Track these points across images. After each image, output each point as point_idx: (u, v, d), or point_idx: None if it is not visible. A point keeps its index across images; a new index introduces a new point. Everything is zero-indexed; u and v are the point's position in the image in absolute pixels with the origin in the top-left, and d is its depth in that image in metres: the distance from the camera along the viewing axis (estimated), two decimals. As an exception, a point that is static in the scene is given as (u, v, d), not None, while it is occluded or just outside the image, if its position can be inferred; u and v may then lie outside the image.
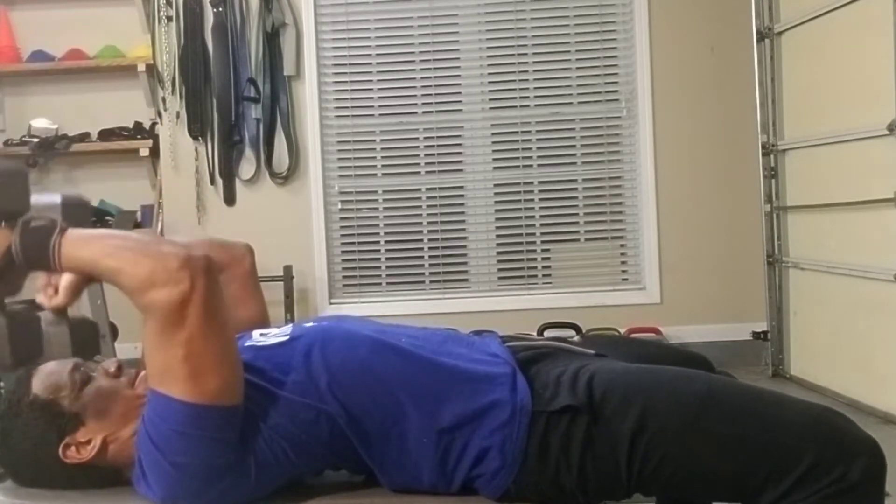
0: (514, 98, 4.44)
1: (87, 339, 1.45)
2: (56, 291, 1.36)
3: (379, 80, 4.45)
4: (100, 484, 1.38)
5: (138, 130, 4.63)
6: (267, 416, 1.31)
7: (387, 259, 4.51)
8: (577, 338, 1.63)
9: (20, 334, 1.30)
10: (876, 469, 1.23)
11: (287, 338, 1.41)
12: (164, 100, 4.38)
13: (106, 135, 4.62)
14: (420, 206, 4.48)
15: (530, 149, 4.46)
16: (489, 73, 4.45)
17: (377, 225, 4.50)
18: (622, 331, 4.19)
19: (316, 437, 1.32)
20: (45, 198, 1.34)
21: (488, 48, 4.45)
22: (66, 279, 1.34)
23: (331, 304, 4.43)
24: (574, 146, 4.47)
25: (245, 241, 1.69)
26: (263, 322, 1.62)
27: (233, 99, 4.34)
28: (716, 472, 1.27)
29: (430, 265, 4.50)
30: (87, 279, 1.35)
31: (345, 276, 4.50)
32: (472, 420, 1.31)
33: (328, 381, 1.32)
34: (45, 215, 1.30)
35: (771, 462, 1.23)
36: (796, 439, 1.24)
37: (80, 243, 1.27)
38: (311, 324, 1.47)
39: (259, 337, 1.45)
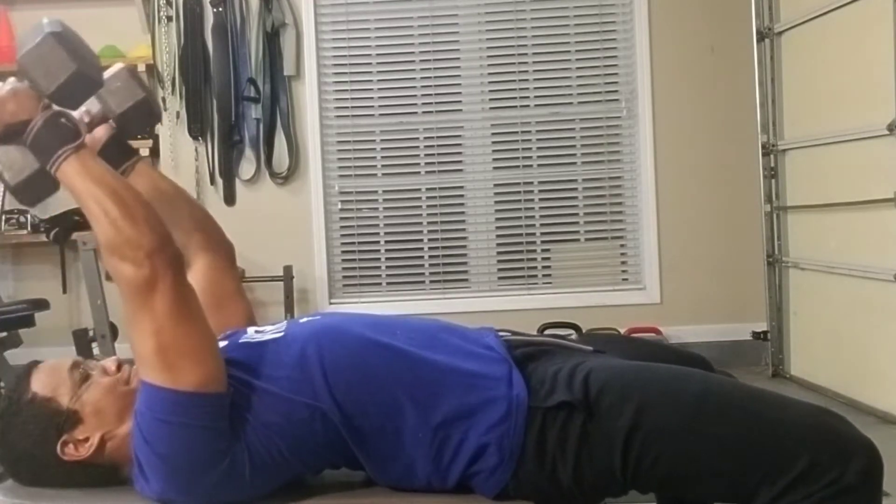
0: (514, 98, 4.44)
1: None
2: None
3: (379, 80, 4.45)
4: (98, 482, 1.38)
5: (138, 130, 4.63)
6: (261, 415, 1.31)
7: (387, 259, 4.51)
8: (574, 335, 1.62)
9: (64, 39, 1.33)
10: (873, 471, 1.22)
11: (282, 334, 1.41)
12: (164, 100, 4.38)
13: (106, 135, 4.62)
14: (420, 206, 4.48)
15: (530, 149, 4.46)
16: (489, 73, 4.45)
17: (377, 225, 4.50)
18: (622, 331, 4.19)
19: (311, 436, 1.32)
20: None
21: (488, 48, 4.45)
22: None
23: (331, 303, 4.43)
24: (574, 146, 4.47)
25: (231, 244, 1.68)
26: (250, 319, 1.61)
27: (233, 99, 4.35)
28: (711, 470, 1.26)
29: (430, 265, 4.50)
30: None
31: (345, 276, 4.51)
32: (468, 416, 1.31)
33: (323, 378, 1.32)
34: (75, 123, 1.33)
35: (766, 462, 1.22)
36: (793, 440, 1.23)
37: (83, 172, 1.29)
38: (306, 320, 1.47)
39: (254, 333, 1.45)
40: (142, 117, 1.52)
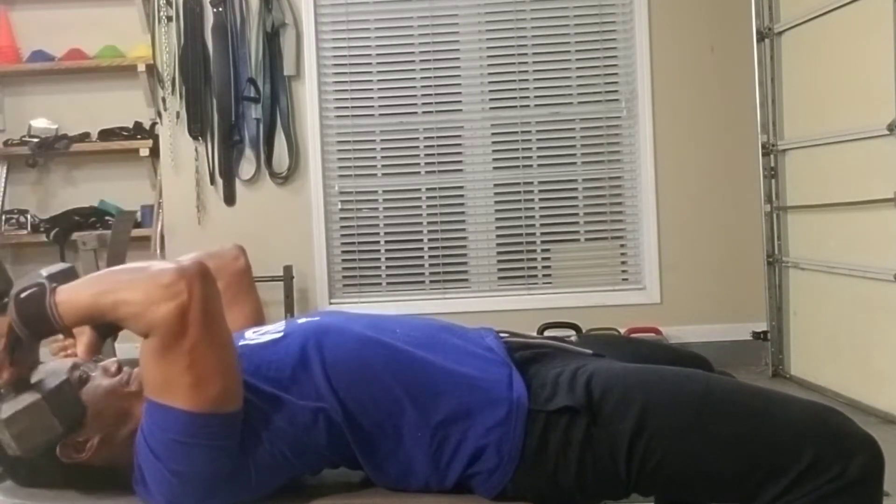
0: (514, 98, 4.44)
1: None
2: (75, 355, 1.35)
3: (379, 80, 4.45)
4: (97, 484, 1.38)
5: (138, 130, 4.64)
6: (265, 419, 1.31)
7: (387, 259, 4.51)
8: (574, 337, 1.62)
9: (59, 403, 1.29)
10: (874, 467, 1.22)
11: (281, 334, 1.40)
12: (164, 100, 4.38)
13: (106, 135, 4.63)
14: (420, 206, 4.48)
15: (530, 149, 4.46)
16: (489, 73, 4.45)
17: (377, 225, 4.50)
18: (622, 331, 4.19)
19: (314, 437, 1.32)
20: (27, 279, 1.30)
21: (488, 48, 4.45)
22: (82, 342, 1.30)
23: (331, 303, 4.43)
24: (574, 146, 4.47)
25: (236, 243, 1.68)
26: (258, 321, 1.62)
27: (233, 99, 4.35)
28: (715, 471, 1.26)
29: (430, 265, 4.50)
30: (102, 336, 1.31)
31: (345, 276, 4.50)
32: (467, 416, 1.31)
33: (325, 377, 1.32)
34: (31, 279, 1.27)
35: (769, 460, 1.23)
36: (795, 437, 1.23)
37: (74, 293, 1.24)
38: (304, 320, 1.47)
39: (252, 335, 1.44)
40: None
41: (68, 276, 1.29)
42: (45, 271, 1.29)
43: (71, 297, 1.23)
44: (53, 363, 1.40)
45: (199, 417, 1.24)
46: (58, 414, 1.27)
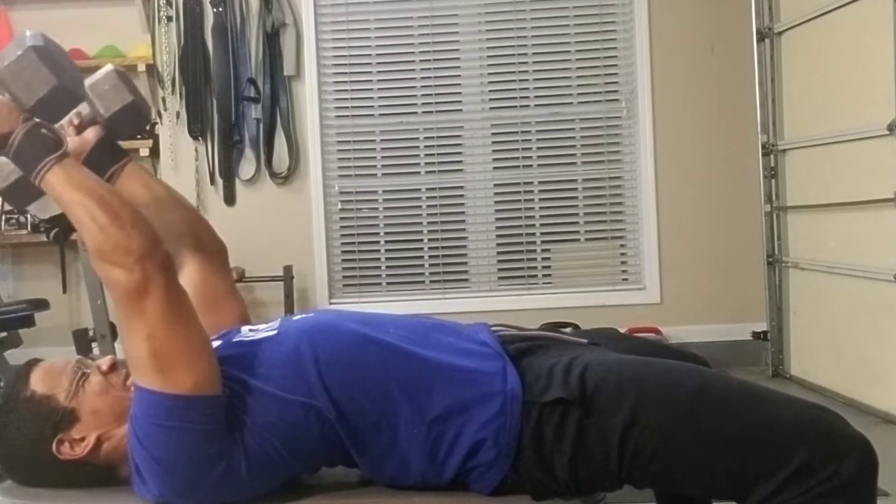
0: (514, 98, 4.44)
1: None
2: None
3: (379, 80, 4.45)
4: (95, 482, 1.38)
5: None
6: (256, 414, 1.31)
7: (387, 259, 4.51)
8: (569, 329, 1.62)
9: (45, 54, 1.32)
10: (867, 468, 1.22)
11: (275, 332, 1.41)
12: (164, 100, 4.38)
13: (106, 135, 4.62)
14: (420, 206, 4.48)
15: (530, 149, 4.46)
16: (489, 73, 4.45)
17: (377, 225, 4.50)
18: (622, 331, 4.18)
19: (307, 434, 1.32)
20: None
21: (488, 48, 4.45)
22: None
23: (331, 303, 4.43)
24: (574, 146, 4.47)
25: (224, 245, 1.68)
26: (243, 317, 1.61)
27: (233, 99, 4.34)
28: (707, 466, 1.26)
29: (430, 265, 4.50)
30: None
31: (345, 276, 4.51)
32: (463, 411, 1.31)
33: (317, 374, 1.32)
34: (57, 133, 1.34)
35: (762, 458, 1.22)
36: (788, 436, 1.23)
37: (67, 181, 1.29)
38: (299, 317, 1.47)
39: (248, 332, 1.45)
40: (130, 120, 1.52)
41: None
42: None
43: (62, 180, 1.30)
44: (54, 360, 1.42)
45: (177, 400, 1.25)
46: (47, 64, 1.31)
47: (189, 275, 1.54)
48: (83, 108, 1.48)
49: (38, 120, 1.32)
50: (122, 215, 1.27)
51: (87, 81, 1.46)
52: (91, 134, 1.50)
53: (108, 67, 1.51)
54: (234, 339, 1.42)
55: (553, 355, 1.37)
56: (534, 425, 1.29)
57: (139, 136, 4.59)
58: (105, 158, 1.50)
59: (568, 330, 1.58)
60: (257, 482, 1.32)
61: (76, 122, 1.50)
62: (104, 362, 1.40)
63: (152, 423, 1.26)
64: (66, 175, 1.29)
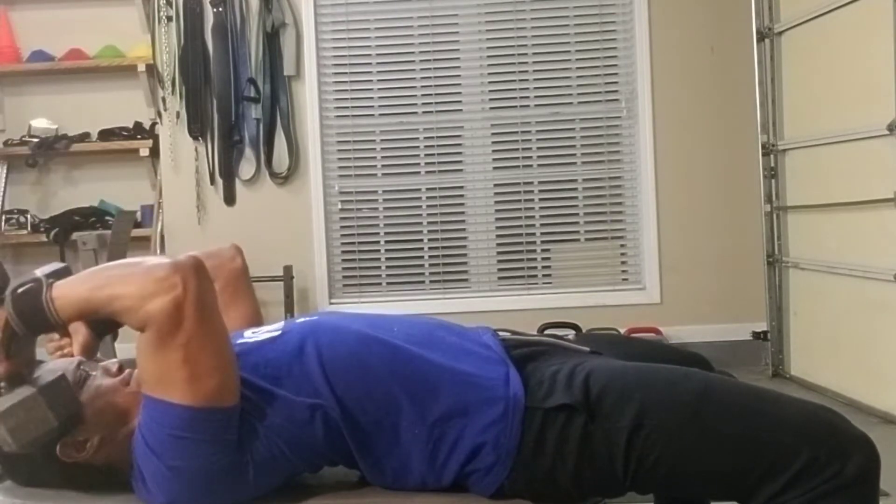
0: (514, 98, 4.44)
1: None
2: (71, 354, 1.35)
3: (379, 80, 4.45)
4: (97, 484, 1.38)
5: (138, 130, 4.64)
6: (263, 416, 1.31)
7: (387, 259, 4.51)
8: (571, 335, 1.62)
9: (54, 397, 1.29)
10: (870, 467, 1.22)
11: (279, 332, 1.41)
12: (164, 100, 4.38)
13: (106, 135, 4.63)
14: (420, 206, 4.48)
15: (530, 149, 4.46)
16: (489, 73, 4.45)
17: (377, 225, 4.50)
18: (622, 331, 4.19)
19: (312, 434, 1.32)
20: (23, 277, 1.31)
21: (488, 48, 4.45)
22: (77, 342, 1.31)
23: (331, 303, 4.43)
24: (574, 146, 4.47)
25: (233, 243, 1.69)
26: (256, 321, 1.62)
27: (233, 99, 4.35)
28: (712, 469, 1.27)
29: (430, 265, 4.50)
30: (99, 335, 1.33)
31: (345, 276, 4.50)
32: (464, 414, 1.31)
33: (322, 373, 1.32)
34: (27, 276, 1.28)
35: (766, 459, 1.23)
36: (792, 437, 1.23)
37: (70, 288, 1.25)
38: (303, 319, 1.47)
39: (250, 334, 1.45)
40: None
41: (63, 274, 1.30)
42: (39, 271, 1.30)
43: (67, 291, 1.24)
44: (54, 362, 1.40)
45: (197, 412, 1.24)
46: (53, 408, 1.27)
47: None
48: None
49: (8, 290, 1.27)
50: (132, 265, 1.26)
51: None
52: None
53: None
54: (238, 342, 1.42)
55: (556, 362, 1.38)
56: (536, 431, 1.29)
57: (139, 136, 4.60)
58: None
59: (571, 336, 1.58)
60: (261, 483, 1.32)
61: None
62: (111, 365, 1.40)
63: (168, 434, 1.25)
64: (66, 289, 1.25)
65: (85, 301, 1.23)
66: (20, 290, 1.25)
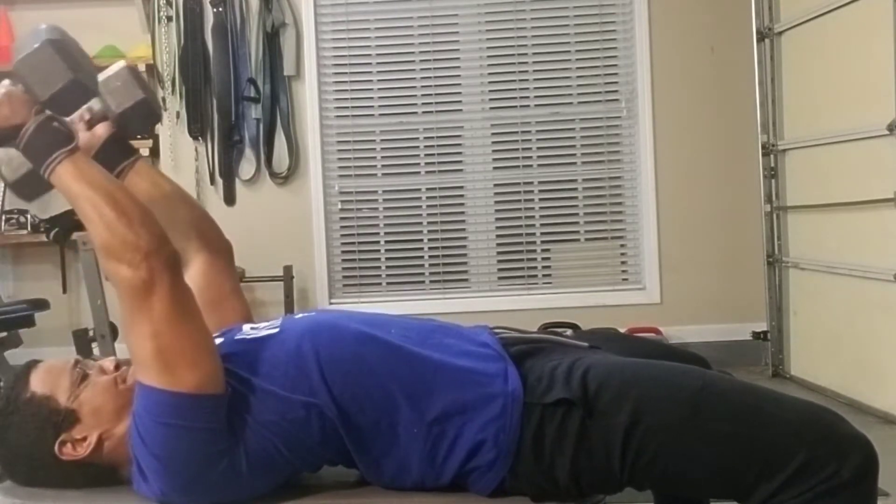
0: (514, 98, 4.44)
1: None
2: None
3: (379, 80, 4.45)
4: (96, 482, 1.38)
5: (138, 130, 4.63)
6: (257, 413, 1.31)
7: (387, 259, 4.51)
8: (570, 332, 1.62)
9: (60, 47, 1.34)
10: (868, 467, 1.22)
11: (277, 330, 1.41)
12: (164, 100, 4.38)
13: (106, 135, 4.62)
14: (420, 206, 4.48)
15: (530, 149, 4.47)
16: (489, 73, 4.45)
17: (377, 225, 4.50)
18: (622, 331, 4.18)
19: (308, 433, 1.32)
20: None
21: (488, 48, 4.45)
22: (93, 132, 1.48)
23: (331, 303, 4.43)
24: (574, 146, 4.47)
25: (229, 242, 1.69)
26: (246, 317, 1.61)
27: (233, 99, 4.35)
28: (709, 467, 1.26)
29: (430, 265, 4.50)
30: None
31: (345, 276, 4.51)
32: (463, 412, 1.31)
33: (319, 373, 1.32)
34: (68, 127, 1.34)
35: (764, 458, 1.23)
36: (789, 436, 1.23)
37: (77, 175, 1.29)
38: (301, 316, 1.47)
39: (249, 330, 1.45)
40: (141, 117, 1.52)
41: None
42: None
43: (72, 175, 1.29)
44: (53, 361, 1.41)
45: (181, 399, 1.25)
46: (64, 58, 1.32)
47: (194, 273, 1.55)
48: (94, 103, 1.48)
49: (50, 113, 1.32)
50: (131, 212, 1.27)
51: (100, 77, 1.47)
52: (101, 130, 1.51)
53: (121, 64, 1.51)
54: (237, 337, 1.42)
55: (554, 358, 1.37)
56: (535, 427, 1.29)
57: (140, 137, 4.60)
58: (114, 155, 1.50)
59: (569, 333, 1.58)
60: (258, 481, 1.32)
61: (87, 117, 1.50)
62: (108, 362, 1.41)
63: (155, 421, 1.26)
64: (76, 169, 1.30)
65: (72, 197, 1.29)
66: (54, 125, 1.31)
